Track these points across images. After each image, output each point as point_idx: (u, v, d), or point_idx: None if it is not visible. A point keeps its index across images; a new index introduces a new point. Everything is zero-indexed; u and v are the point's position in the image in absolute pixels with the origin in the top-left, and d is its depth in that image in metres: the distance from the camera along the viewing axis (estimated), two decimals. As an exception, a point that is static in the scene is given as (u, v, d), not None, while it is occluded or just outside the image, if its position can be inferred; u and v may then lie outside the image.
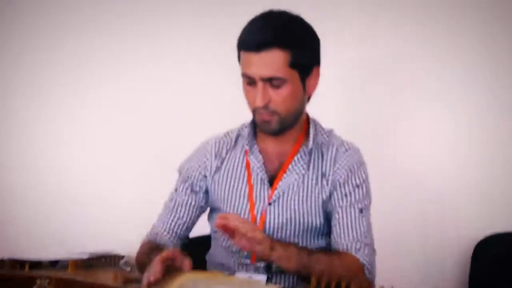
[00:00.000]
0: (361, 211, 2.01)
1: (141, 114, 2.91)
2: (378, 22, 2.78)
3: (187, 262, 1.71)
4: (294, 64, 1.92)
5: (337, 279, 1.71)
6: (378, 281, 1.78)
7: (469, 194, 2.75)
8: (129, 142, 2.92)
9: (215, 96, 2.71)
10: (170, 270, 1.71)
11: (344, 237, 1.98)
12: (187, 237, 2.17)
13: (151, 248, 2.02)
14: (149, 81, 2.91)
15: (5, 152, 2.93)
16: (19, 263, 2.35)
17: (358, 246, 1.95)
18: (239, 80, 2.00)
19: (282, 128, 2.00)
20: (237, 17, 2.02)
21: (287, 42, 1.91)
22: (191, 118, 2.84)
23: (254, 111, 1.99)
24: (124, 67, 2.92)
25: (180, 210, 2.13)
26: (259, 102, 1.93)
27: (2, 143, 2.93)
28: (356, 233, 1.98)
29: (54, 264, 2.43)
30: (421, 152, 2.78)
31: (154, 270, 1.67)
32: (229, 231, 1.77)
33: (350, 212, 2.00)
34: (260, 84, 1.92)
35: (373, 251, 1.98)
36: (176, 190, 2.16)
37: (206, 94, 2.82)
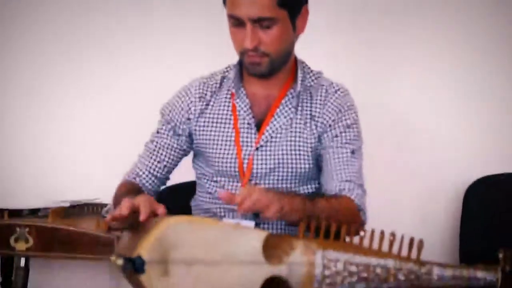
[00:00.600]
0: (352, 152, 1.98)
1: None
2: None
3: (161, 209, 1.64)
4: (283, 3, 1.87)
5: (339, 222, 1.70)
6: (374, 225, 1.74)
7: (460, 139, 2.75)
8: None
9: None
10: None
11: (336, 177, 1.94)
12: (168, 178, 2.13)
13: (130, 189, 1.97)
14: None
15: None
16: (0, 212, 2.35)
17: (351, 187, 1.92)
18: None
19: (272, 70, 1.96)
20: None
21: None
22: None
23: (242, 53, 1.94)
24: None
25: (161, 153, 2.08)
26: (248, 44, 1.88)
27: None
28: (349, 173, 1.94)
29: (34, 212, 2.42)
30: (414, 98, 2.77)
31: (121, 207, 1.60)
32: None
33: (342, 152, 1.97)
34: (249, 25, 1.87)
35: (364, 192, 1.96)
36: (157, 132, 2.10)
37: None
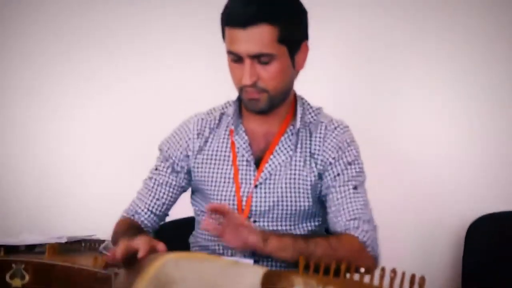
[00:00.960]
0: (355, 188, 1.96)
1: (128, 105, 2.93)
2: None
3: (160, 246, 1.63)
4: (282, 40, 1.87)
5: (339, 261, 1.69)
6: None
7: (463, 175, 2.75)
8: (111, 133, 2.91)
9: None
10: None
11: (340, 217, 1.93)
12: (167, 214, 2.12)
13: (129, 227, 1.98)
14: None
15: None
16: None
17: (356, 224, 1.90)
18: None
19: (271, 106, 1.95)
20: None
21: (275, 16, 1.85)
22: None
23: (241, 89, 1.93)
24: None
25: (160, 190, 2.07)
26: (247, 80, 1.87)
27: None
28: (352, 211, 1.92)
29: (31, 248, 2.41)
30: (416, 133, 2.77)
31: (116, 250, 1.62)
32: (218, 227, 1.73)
33: (344, 191, 1.96)
34: (247, 61, 1.86)
35: (373, 227, 1.93)
36: (156, 169, 2.10)
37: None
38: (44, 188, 2.83)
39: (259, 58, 1.86)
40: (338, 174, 1.97)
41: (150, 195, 2.06)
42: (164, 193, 2.07)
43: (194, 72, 2.82)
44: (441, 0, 2.77)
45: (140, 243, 1.58)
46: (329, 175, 1.97)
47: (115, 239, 1.94)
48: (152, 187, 2.07)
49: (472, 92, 2.76)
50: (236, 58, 1.88)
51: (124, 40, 2.91)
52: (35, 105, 2.91)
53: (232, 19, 1.87)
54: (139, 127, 2.85)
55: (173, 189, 2.07)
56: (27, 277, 2.26)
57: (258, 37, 1.84)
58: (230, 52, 1.89)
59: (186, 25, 2.86)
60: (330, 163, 1.98)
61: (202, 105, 2.15)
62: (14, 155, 2.88)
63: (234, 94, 2.05)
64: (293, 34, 1.91)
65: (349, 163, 1.98)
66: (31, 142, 2.89)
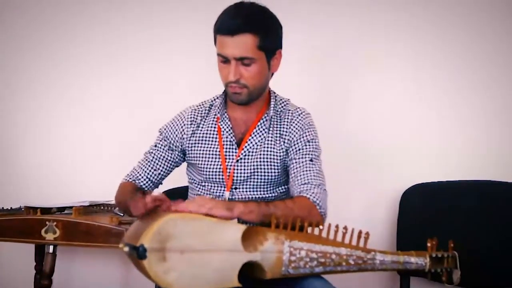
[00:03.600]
0: (311, 160, 1.94)
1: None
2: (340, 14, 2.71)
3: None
4: (261, 47, 1.87)
5: (295, 219, 1.69)
6: (331, 221, 1.71)
7: (400, 149, 2.70)
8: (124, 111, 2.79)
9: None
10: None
11: (297, 183, 1.91)
12: (161, 183, 2.10)
13: (134, 187, 1.98)
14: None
15: (23, 119, 2.80)
16: (32, 209, 2.34)
17: (308, 187, 1.87)
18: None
19: (250, 99, 1.94)
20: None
21: (256, 28, 1.86)
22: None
23: (227, 85, 1.93)
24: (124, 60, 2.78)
25: (157, 163, 2.06)
26: (232, 77, 1.87)
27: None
28: (306, 177, 1.90)
29: (61, 210, 2.40)
30: (364, 118, 2.71)
31: (147, 199, 1.65)
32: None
33: (302, 162, 1.94)
34: (233, 62, 1.87)
35: (323, 191, 1.89)
36: (155, 145, 2.09)
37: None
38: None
39: (242, 61, 1.86)
40: (299, 149, 1.95)
41: (149, 165, 2.05)
42: (160, 166, 2.05)
43: (195, 71, 2.73)
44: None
45: (164, 197, 1.66)
46: (292, 150, 1.96)
47: (123, 196, 1.94)
48: (151, 160, 2.05)
49: (410, 76, 2.69)
50: (224, 60, 1.88)
51: (126, 35, 2.77)
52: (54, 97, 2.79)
53: (222, 28, 1.87)
54: (141, 112, 2.77)
55: (168, 163, 2.06)
56: (58, 232, 2.26)
57: (243, 43, 1.84)
58: (219, 55, 1.90)
59: (187, 23, 2.74)
60: (294, 141, 1.97)
61: (197, 99, 2.13)
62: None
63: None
64: (270, 43, 1.91)
65: (308, 141, 1.97)
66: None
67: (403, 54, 2.68)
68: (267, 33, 1.89)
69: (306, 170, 1.91)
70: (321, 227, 1.72)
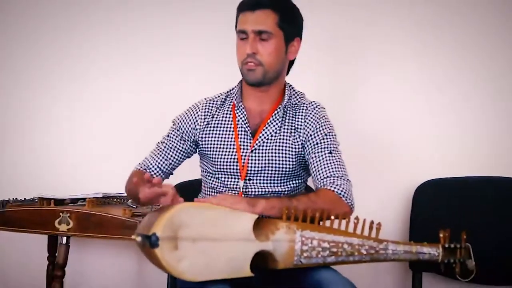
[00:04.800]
0: (330, 152, 1.94)
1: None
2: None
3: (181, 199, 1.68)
4: (280, 25, 1.92)
5: (321, 212, 1.70)
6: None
7: (411, 147, 2.68)
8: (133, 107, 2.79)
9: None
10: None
11: (319, 177, 1.90)
12: (172, 173, 2.10)
13: (143, 176, 1.92)
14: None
15: (39, 114, 2.80)
16: (46, 200, 2.34)
17: (331, 180, 1.86)
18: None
19: (264, 79, 1.94)
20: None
21: (277, 6, 1.92)
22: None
23: (243, 64, 1.94)
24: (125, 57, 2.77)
25: (168, 153, 2.06)
26: (248, 49, 1.91)
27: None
28: (328, 170, 1.89)
29: (74, 201, 2.40)
30: (376, 112, 2.70)
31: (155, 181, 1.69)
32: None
33: (321, 155, 1.93)
34: (251, 36, 1.91)
35: (347, 181, 1.89)
36: (168, 135, 2.09)
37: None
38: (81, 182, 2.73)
39: (260, 35, 1.90)
40: (317, 143, 1.95)
41: (160, 155, 2.05)
42: (171, 155, 2.05)
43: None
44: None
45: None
46: (310, 144, 1.96)
47: (132, 183, 1.93)
48: (163, 149, 2.05)
49: (423, 74, 2.67)
50: (242, 36, 1.93)
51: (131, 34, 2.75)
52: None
53: (244, 4, 1.94)
54: (147, 107, 2.76)
55: (179, 153, 2.05)
56: (71, 223, 2.26)
57: (262, 18, 1.90)
58: (239, 31, 1.94)
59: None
60: (311, 135, 1.96)
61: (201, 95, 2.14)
62: (55, 153, 2.78)
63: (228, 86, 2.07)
64: (290, 25, 1.95)
65: (325, 134, 1.96)
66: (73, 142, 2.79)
67: (419, 48, 2.67)
68: (287, 14, 1.95)
69: (327, 163, 1.90)
70: (332, 217, 1.70)
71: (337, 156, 1.93)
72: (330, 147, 1.94)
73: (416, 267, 2.42)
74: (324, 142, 1.94)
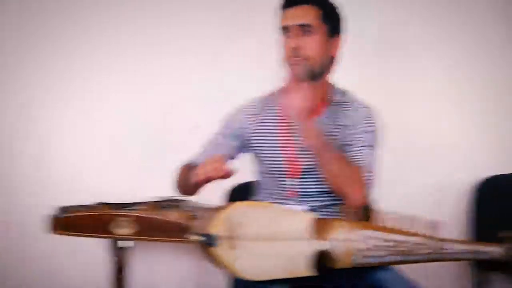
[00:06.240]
0: (364, 146, 1.94)
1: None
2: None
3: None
4: (324, 19, 1.94)
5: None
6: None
7: (469, 143, 2.66)
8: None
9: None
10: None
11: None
12: None
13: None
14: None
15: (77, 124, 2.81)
16: (108, 205, 2.38)
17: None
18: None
19: (311, 74, 1.93)
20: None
21: (319, 2, 1.94)
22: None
23: (288, 59, 1.95)
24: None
25: (219, 148, 2.07)
26: (292, 43, 1.92)
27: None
28: (359, 160, 1.91)
29: (132, 205, 2.44)
30: (429, 109, 2.69)
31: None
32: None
33: (358, 150, 1.93)
34: (294, 31, 1.92)
35: (372, 179, 1.90)
36: (217, 133, 2.11)
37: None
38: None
39: (304, 28, 1.91)
40: (358, 139, 1.95)
41: (211, 150, 2.06)
42: (222, 151, 2.05)
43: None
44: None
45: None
46: (353, 139, 1.95)
47: (182, 181, 2.04)
48: (215, 145, 2.08)
49: (473, 75, 2.67)
50: (286, 32, 1.94)
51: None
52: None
53: (286, 1, 1.96)
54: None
55: (230, 148, 2.06)
56: (131, 227, 2.30)
57: (304, 12, 1.92)
58: (283, 28, 1.95)
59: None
60: (354, 130, 1.96)
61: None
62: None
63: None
64: (332, 20, 1.96)
65: (367, 132, 1.96)
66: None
67: (469, 47, 2.66)
68: (329, 10, 1.96)
69: (359, 154, 1.91)
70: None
71: (371, 156, 1.93)
72: (367, 143, 1.94)
73: (480, 267, 2.40)
74: (364, 138, 1.94)
